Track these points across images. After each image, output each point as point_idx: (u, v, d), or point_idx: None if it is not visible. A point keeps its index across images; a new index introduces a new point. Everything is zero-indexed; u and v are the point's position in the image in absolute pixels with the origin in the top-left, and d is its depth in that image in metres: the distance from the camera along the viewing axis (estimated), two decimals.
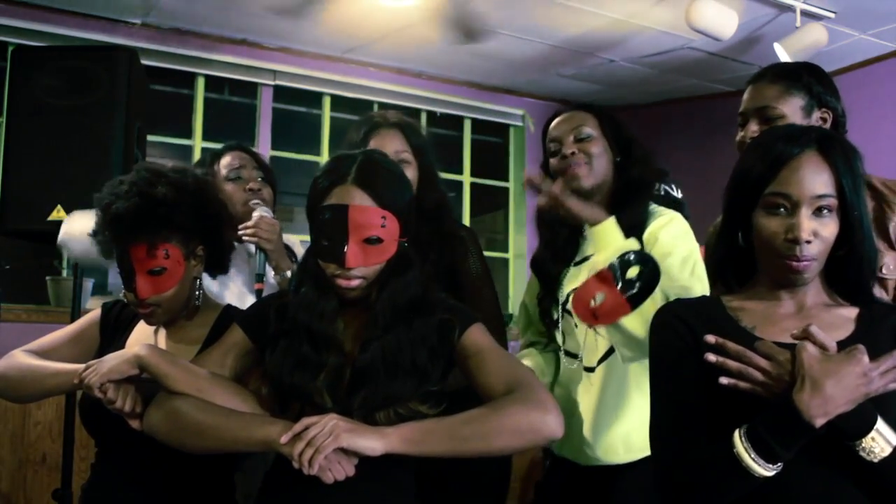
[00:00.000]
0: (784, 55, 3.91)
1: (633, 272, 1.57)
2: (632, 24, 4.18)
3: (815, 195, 1.26)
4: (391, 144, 2.03)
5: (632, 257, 1.58)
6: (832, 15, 3.98)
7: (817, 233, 1.26)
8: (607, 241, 1.67)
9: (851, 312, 1.32)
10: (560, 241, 1.96)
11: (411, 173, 2.02)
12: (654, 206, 1.89)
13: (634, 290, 1.55)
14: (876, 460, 1.15)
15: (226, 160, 2.30)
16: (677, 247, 1.75)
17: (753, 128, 1.84)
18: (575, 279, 1.87)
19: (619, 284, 1.55)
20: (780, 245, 1.27)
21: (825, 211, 1.27)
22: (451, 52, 4.57)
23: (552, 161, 1.95)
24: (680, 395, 1.29)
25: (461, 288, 2.00)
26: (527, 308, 2.08)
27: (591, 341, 1.84)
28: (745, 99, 1.89)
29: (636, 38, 4.34)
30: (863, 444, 1.16)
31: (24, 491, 3.51)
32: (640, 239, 1.74)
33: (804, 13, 3.91)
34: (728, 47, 4.34)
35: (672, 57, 4.59)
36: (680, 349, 1.30)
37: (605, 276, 1.58)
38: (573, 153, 1.89)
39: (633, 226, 1.79)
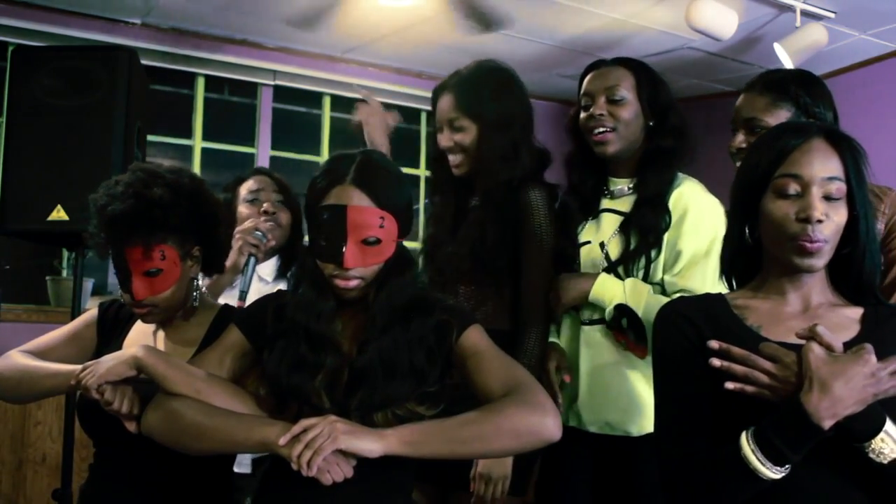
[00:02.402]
0: (784, 55, 3.91)
1: (624, 322, 1.82)
2: (632, 24, 4.17)
3: (826, 177, 1.26)
4: (443, 110, 1.96)
5: (616, 314, 1.81)
6: (832, 15, 3.97)
7: (829, 215, 1.25)
8: (609, 297, 1.82)
9: (856, 313, 1.31)
10: (587, 190, 1.96)
11: (466, 137, 1.93)
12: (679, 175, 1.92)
13: (632, 335, 1.81)
14: (886, 462, 1.15)
15: (248, 184, 2.36)
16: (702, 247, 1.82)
17: (740, 138, 1.88)
18: (590, 233, 1.93)
19: (624, 333, 1.83)
20: (792, 226, 1.25)
21: (834, 198, 1.26)
22: (451, 52, 4.56)
23: (582, 116, 1.94)
24: (685, 395, 1.28)
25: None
26: None
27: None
28: (736, 107, 1.92)
29: (636, 38, 4.34)
30: (872, 446, 1.15)
31: (24, 491, 3.51)
32: (662, 211, 1.83)
33: (804, 13, 3.91)
34: (728, 47, 4.33)
35: (672, 57, 4.59)
36: (685, 348, 1.29)
37: (614, 332, 1.86)
38: (601, 115, 1.88)
39: (656, 195, 1.84)
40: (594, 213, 1.95)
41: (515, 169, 1.92)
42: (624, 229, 1.87)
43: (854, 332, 1.27)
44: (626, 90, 1.88)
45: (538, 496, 2.03)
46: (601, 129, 1.88)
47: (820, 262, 1.27)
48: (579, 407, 1.90)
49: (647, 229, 1.83)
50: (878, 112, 4.36)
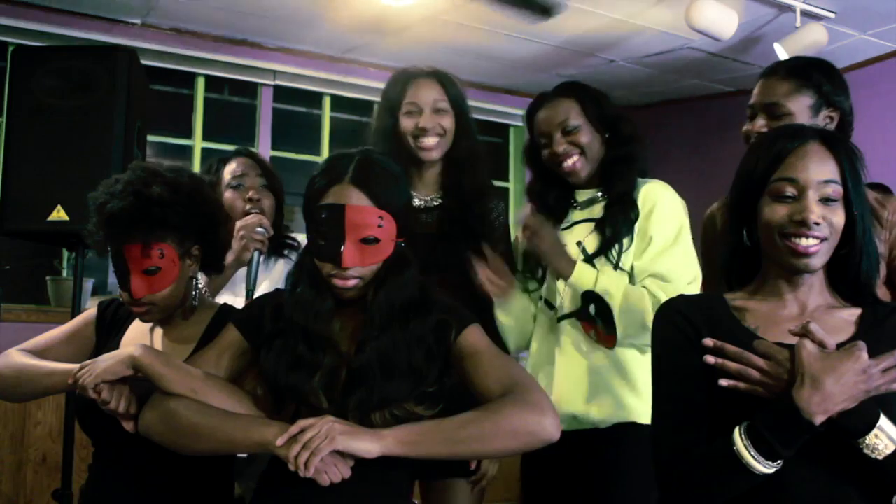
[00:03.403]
0: (784, 55, 3.91)
1: (592, 309, 1.88)
2: (632, 24, 4.18)
3: (822, 180, 1.27)
4: (429, 93, 2.02)
5: (584, 302, 1.88)
6: (832, 15, 3.97)
7: (826, 217, 1.26)
8: (584, 284, 1.88)
9: (853, 314, 1.32)
10: (550, 203, 2.04)
11: (448, 122, 2.02)
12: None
13: (601, 323, 1.86)
14: (880, 457, 1.15)
15: (231, 167, 2.30)
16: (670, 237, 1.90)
17: (760, 122, 1.87)
18: (563, 240, 1.98)
19: (593, 322, 1.88)
20: (789, 229, 1.27)
21: (831, 200, 1.27)
22: (451, 52, 4.56)
23: (544, 153, 2.02)
24: (682, 391, 1.29)
25: (481, 239, 1.97)
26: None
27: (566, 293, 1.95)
28: (756, 92, 1.91)
29: (636, 38, 4.34)
30: (866, 442, 1.16)
31: (24, 491, 3.52)
32: (631, 205, 1.92)
33: (804, 13, 3.91)
34: (728, 47, 4.34)
35: (672, 57, 4.59)
36: (682, 346, 1.30)
37: (583, 323, 1.92)
38: (564, 149, 1.97)
39: (624, 193, 1.95)
40: (562, 223, 2.01)
41: (487, 166, 2.06)
42: (599, 228, 1.94)
43: (850, 333, 1.28)
44: (576, 118, 1.97)
45: (525, 496, 2.04)
46: (569, 161, 1.97)
47: (818, 261, 1.28)
48: None
49: (619, 222, 1.91)
50: (878, 112, 4.36)
